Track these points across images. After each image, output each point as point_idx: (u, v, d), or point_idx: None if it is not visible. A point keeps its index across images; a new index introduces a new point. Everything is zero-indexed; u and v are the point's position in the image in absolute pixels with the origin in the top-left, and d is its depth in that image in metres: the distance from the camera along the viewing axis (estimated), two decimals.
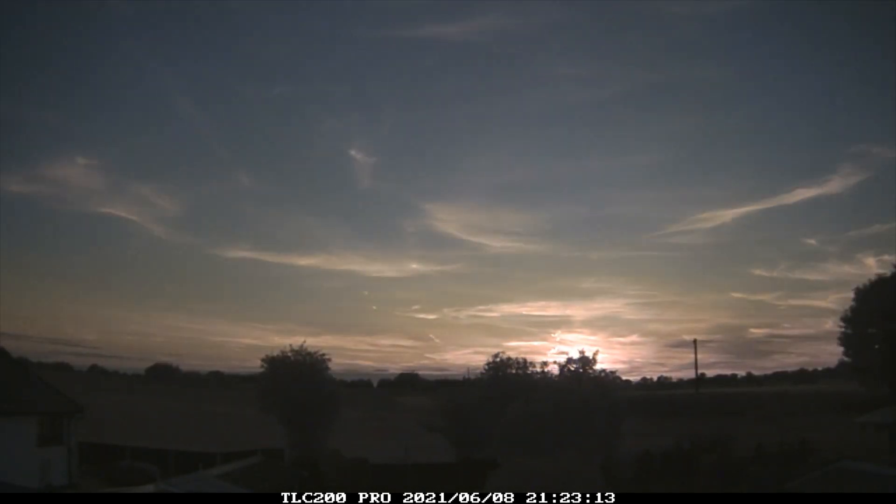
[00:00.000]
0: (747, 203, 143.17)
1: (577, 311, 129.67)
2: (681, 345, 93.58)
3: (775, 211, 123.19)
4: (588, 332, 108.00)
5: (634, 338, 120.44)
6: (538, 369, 44.12)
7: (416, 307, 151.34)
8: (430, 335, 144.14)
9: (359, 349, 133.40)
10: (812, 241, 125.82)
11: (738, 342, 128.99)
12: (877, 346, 41.34)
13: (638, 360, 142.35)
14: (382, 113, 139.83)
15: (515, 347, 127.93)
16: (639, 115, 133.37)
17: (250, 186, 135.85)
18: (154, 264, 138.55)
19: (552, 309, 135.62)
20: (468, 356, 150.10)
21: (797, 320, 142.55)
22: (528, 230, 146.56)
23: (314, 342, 56.39)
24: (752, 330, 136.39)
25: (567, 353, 42.23)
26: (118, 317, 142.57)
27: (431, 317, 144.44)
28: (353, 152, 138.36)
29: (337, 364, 53.82)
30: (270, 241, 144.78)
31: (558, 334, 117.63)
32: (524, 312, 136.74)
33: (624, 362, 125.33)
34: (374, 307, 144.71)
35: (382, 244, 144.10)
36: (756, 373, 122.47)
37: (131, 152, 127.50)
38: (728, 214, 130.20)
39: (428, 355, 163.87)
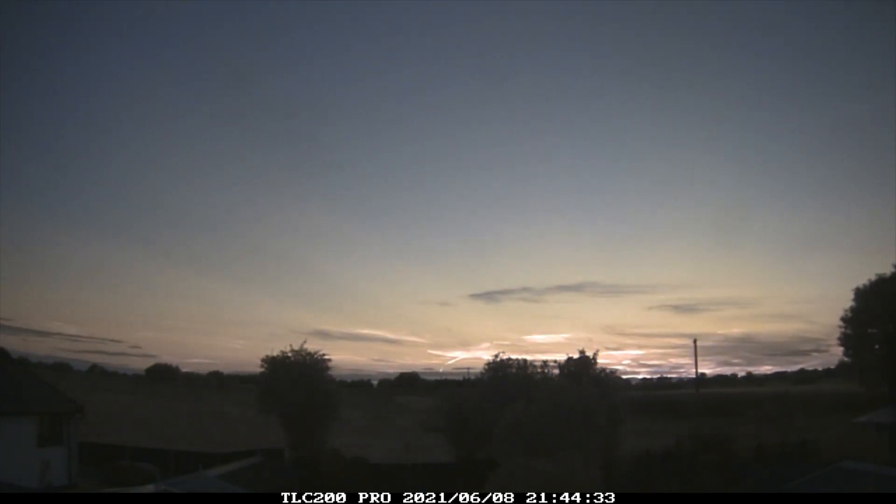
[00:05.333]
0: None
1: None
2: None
3: None
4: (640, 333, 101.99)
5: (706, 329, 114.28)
6: (538, 369, 44.17)
7: (419, 292, 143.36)
8: (447, 328, 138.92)
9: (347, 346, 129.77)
10: None
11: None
12: (877, 347, 41.29)
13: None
14: None
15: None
16: None
17: None
18: None
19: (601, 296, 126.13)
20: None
21: None
22: (567, 150, 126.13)
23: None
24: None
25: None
26: None
27: (443, 305, 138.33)
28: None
29: (336, 359, 53.52)
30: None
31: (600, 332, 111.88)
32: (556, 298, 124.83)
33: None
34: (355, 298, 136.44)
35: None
36: (756, 373, 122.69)
37: None
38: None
39: (434, 352, 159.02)
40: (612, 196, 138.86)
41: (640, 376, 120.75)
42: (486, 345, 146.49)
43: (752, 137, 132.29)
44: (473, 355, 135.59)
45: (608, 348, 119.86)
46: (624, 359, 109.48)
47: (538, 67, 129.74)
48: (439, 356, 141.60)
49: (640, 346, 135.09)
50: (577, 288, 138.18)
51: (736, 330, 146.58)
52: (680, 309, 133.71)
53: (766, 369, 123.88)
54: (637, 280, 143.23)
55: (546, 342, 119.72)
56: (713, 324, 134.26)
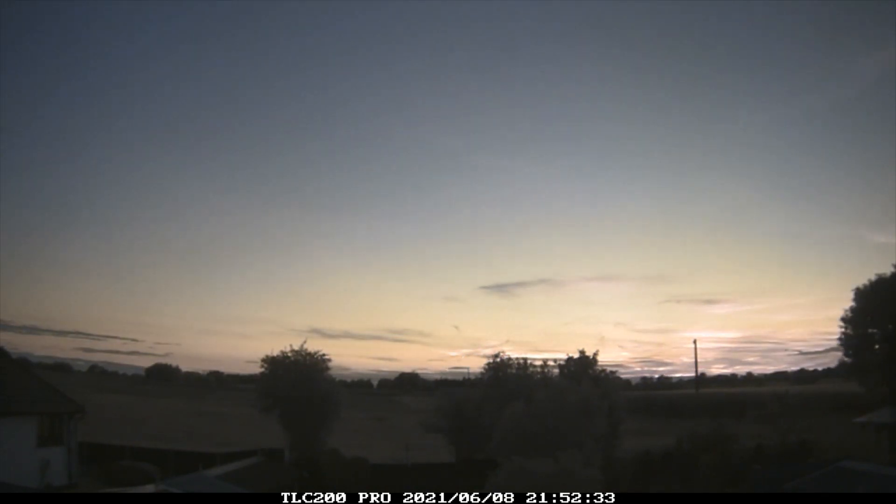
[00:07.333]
0: None
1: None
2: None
3: None
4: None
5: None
6: (538, 369, 44.22)
7: (422, 287, 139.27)
8: (454, 324, 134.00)
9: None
10: None
11: None
12: (877, 347, 41.27)
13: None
14: None
15: None
16: None
17: None
18: None
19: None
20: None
21: None
22: (587, 136, 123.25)
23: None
24: None
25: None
26: None
27: (449, 300, 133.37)
28: None
29: (336, 359, 53.51)
30: None
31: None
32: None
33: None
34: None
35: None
36: (756, 373, 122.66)
37: None
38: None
39: (439, 351, 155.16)
40: (630, 189, 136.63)
41: (655, 376, 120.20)
42: (497, 342, 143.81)
43: (759, 135, 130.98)
44: (483, 353, 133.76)
45: (622, 347, 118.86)
46: (636, 357, 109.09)
47: (547, 59, 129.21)
48: (444, 355, 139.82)
49: (657, 344, 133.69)
50: (598, 279, 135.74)
51: (756, 327, 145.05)
52: (701, 302, 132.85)
53: (781, 367, 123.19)
54: (658, 272, 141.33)
55: (565, 334, 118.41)
56: (730, 321, 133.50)
